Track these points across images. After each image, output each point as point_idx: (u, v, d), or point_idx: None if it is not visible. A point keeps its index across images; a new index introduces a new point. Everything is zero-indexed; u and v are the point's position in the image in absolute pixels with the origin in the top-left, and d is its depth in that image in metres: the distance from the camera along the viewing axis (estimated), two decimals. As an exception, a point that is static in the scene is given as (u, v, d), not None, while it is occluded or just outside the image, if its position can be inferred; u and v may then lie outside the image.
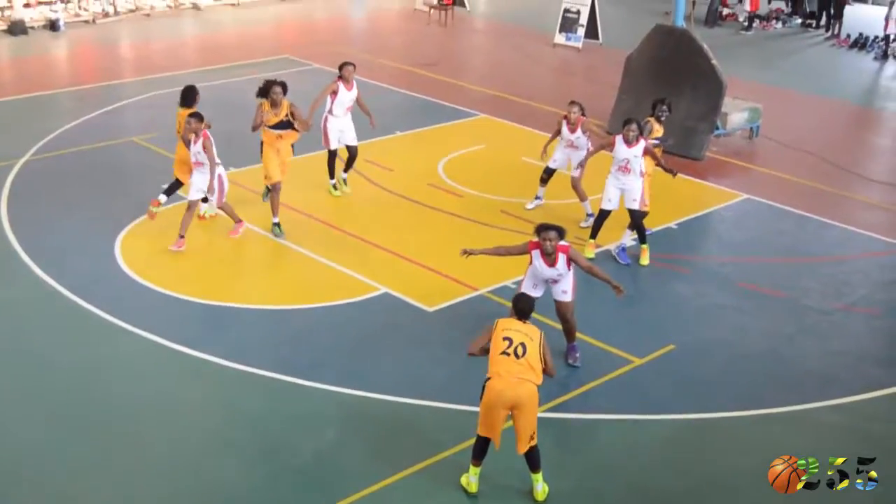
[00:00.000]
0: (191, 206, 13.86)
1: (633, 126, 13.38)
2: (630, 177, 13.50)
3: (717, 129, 18.22)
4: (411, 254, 13.79)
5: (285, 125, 14.19)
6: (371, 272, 13.20)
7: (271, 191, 14.40)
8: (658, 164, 13.81)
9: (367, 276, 13.08)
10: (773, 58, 25.88)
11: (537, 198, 15.50)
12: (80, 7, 26.67)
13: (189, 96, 14.45)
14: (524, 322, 9.14)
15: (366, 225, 14.59)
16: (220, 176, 13.68)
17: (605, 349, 11.63)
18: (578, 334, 11.38)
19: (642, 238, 13.81)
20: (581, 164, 14.53)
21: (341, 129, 15.48)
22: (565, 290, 11.08)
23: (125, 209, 14.86)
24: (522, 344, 8.91)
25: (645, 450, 9.98)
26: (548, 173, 15.33)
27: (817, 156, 18.31)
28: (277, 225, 14.28)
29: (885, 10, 27.20)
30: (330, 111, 15.39)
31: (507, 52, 25.49)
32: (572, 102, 14.99)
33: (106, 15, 26.82)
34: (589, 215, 15.07)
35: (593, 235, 13.98)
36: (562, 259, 10.79)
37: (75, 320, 11.98)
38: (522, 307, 9.26)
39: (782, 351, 11.84)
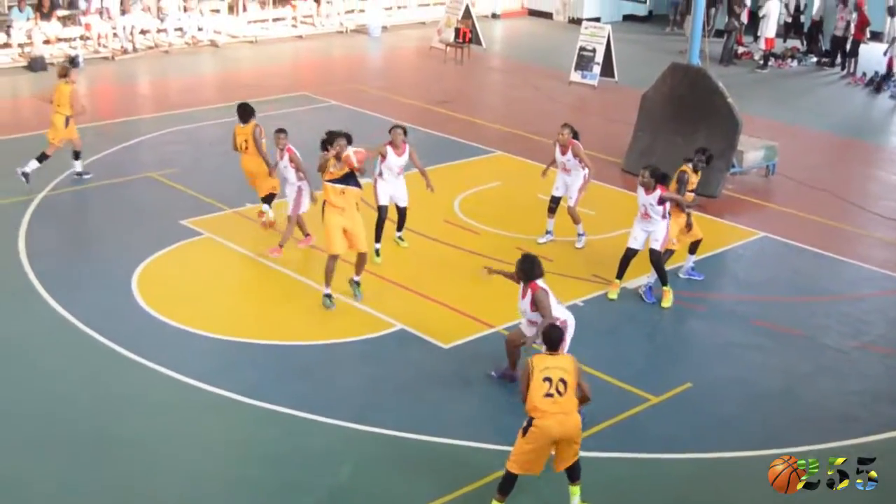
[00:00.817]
0: (290, 219, 14.65)
1: (646, 173, 13.29)
2: (651, 221, 13.49)
3: (734, 167, 18.21)
4: (427, 290, 13.79)
5: (349, 178, 12.89)
6: (387, 309, 13.20)
7: (329, 259, 13.11)
8: (680, 208, 13.69)
9: (383, 313, 13.08)
10: (789, 96, 25.91)
11: (548, 232, 15.55)
12: (99, 44, 26.89)
13: (245, 112, 15.26)
14: (557, 354, 9.15)
15: (382, 261, 14.59)
16: (299, 188, 14.44)
17: (620, 387, 11.58)
18: (595, 371, 11.34)
19: (662, 279, 13.72)
20: (580, 190, 14.94)
21: (392, 192, 14.65)
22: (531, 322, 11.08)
23: (142, 244, 14.92)
24: (562, 380, 8.94)
25: (662, 489, 9.92)
26: (554, 202, 15.40)
27: (834, 194, 18.29)
28: (328, 297, 13.15)
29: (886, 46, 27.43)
30: (379, 174, 14.59)
31: (522, 90, 25.58)
32: (564, 125, 15.04)
33: (125, 52, 27.02)
34: (580, 234, 15.30)
35: (619, 276, 13.88)
36: (528, 296, 10.86)
37: (90, 354, 12.00)
38: (552, 338, 9.26)
39: (799, 390, 11.78)
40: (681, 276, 14.48)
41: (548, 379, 8.91)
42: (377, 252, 14.53)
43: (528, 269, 10.84)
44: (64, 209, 16.45)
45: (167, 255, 14.72)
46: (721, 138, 17.83)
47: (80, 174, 17.58)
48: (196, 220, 15.86)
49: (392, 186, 14.58)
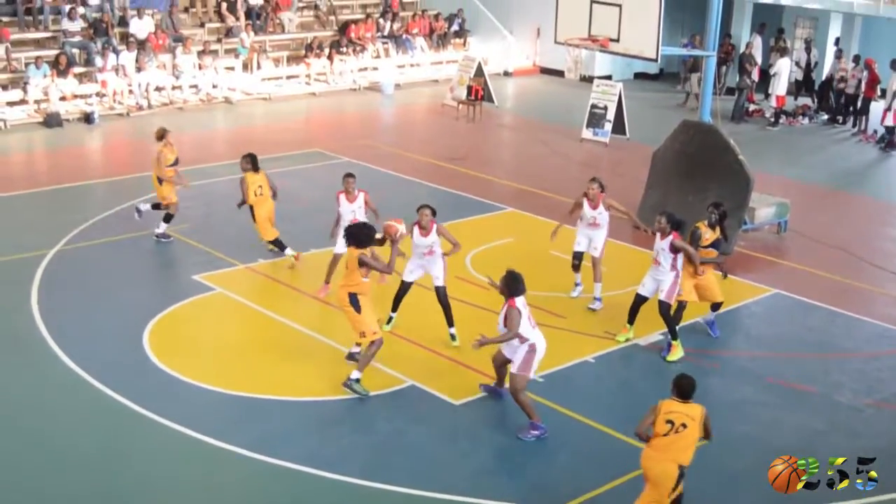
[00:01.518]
0: (335, 257, 14.91)
1: (662, 219, 13.38)
2: (661, 269, 13.48)
3: (745, 223, 18.21)
4: (438, 346, 13.77)
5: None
6: (398, 364, 13.16)
7: (371, 345, 12.46)
8: (691, 262, 13.61)
9: (393, 369, 13.05)
10: (800, 153, 25.95)
11: (577, 284, 15.64)
12: (114, 100, 27.15)
13: (256, 161, 16.21)
14: (686, 402, 9.23)
15: (392, 325, 14.57)
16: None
17: (631, 443, 11.48)
18: (607, 428, 11.26)
19: (671, 332, 13.67)
20: (642, 229, 15.58)
21: (423, 270, 14.06)
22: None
23: (155, 299, 14.96)
24: (683, 424, 9.07)
25: (675, 548, 9.81)
26: (577, 258, 15.42)
27: (846, 251, 18.26)
28: (357, 381, 12.41)
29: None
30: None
31: (534, 147, 25.69)
32: (593, 179, 15.15)
33: (140, 108, 27.27)
34: (597, 299, 15.22)
35: (630, 321, 13.94)
36: (503, 311, 11.50)
37: (100, 408, 12.00)
38: (683, 386, 9.36)
39: (814, 447, 11.65)
40: (700, 320, 14.50)
41: (670, 422, 9.10)
42: (389, 320, 14.21)
43: (511, 285, 11.43)
44: (77, 264, 16.51)
45: (179, 309, 14.75)
46: (732, 195, 17.81)
47: (159, 236, 17.40)
48: (208, 276, 15.89)
49: (419, 261, 13.97)
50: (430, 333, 14.08)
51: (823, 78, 30.36)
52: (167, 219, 17.31)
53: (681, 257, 13.42)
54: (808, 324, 15.31)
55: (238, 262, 16.48)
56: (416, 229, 13.77)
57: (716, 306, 14.39)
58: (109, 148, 24.11)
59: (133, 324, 14.13)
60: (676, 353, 13.61)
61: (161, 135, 17.31)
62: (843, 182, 23.46)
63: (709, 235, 14.03)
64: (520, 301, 11.43)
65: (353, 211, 14.98)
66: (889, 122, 26.21)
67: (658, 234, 13.44)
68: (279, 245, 16.41)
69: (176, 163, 17.35)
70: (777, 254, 18.22)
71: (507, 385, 11.94)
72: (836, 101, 29.29)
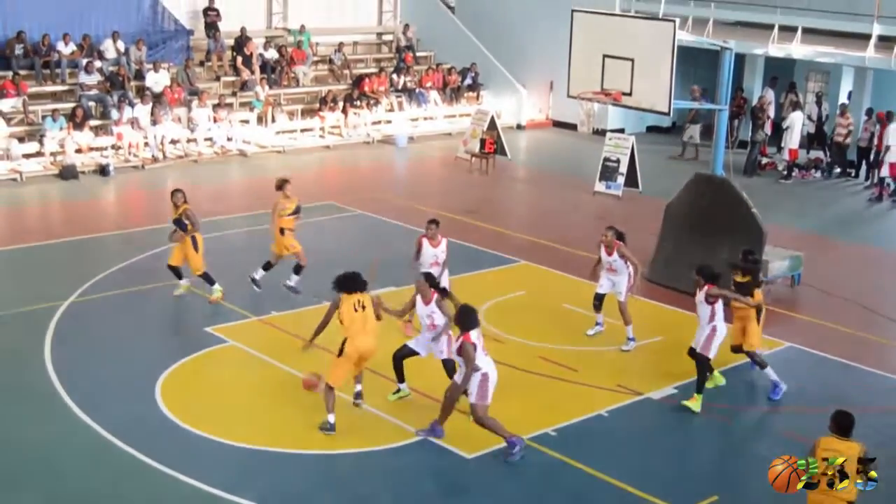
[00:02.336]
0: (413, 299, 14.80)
1: (694, 272, 13.79)
2: (700, 323, 13.77)
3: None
4: (450, 399, 13.70)
5: None
6: (410, 418, 13.11)
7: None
8: (739, 303, 13.96)
9: (404, 422, 13.00)
10: (813, 206, 25.96)
11: (598, 324, 15.91)
12: (129, 153, 27.34)
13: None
14: (845, 440, 9.22)
15: (405, 369, 14.53)
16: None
17: (645, 498, 11.41)
18: (621, 483, 11.18)
19: (700, 385, 13.62)
20: (629, 290, 15.32)
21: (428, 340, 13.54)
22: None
23: (167, 351, 14.97)
24: (841, 469, 9.01)
25: None
26: (598, 299, 15.74)
27: (859, 304, 18.20)
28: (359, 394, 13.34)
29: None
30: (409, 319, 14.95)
31: (547, 200, 25.75)
32: (609, 227, 15.54)
33: (155, 160, 27.45)
34: (630, 339, 15.41)
35: (699, 390, 13.67)
36: (457, 344, 12.00)
37: (112, 461, 11.97)
38: (841, 423, 9.40)
39: (829, 503, 11.55)
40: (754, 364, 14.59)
41: (825, 459, 9.06)
42: (397, 391, 13.73)
43: (464, 321, 11.90)
44: (90, 315, 16.55)
45: (192, 362, 14.76)
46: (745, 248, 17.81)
47: (291, 288, 17.33)
48: (221, 328, 15.91)
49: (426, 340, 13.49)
50: (443, 386, 14.01)
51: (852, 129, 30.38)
52: (297, 270, 17.25)
53: (719, 311, 13.58)
54: (822, 377, 15.22)
55: (251, 315, 16.50)
56: (417, 298, 13.41)
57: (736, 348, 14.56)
58: (124, 200, 24.25)
59: (146, 376, 14.13)
60: (696, 404, 13.56)
61: (280, 185, 17.26)
62: (855, 234, 23.43)
63: (740, 279, 14.39)
64: (474, 334, 11.84)
65: (436, 255, 15.42)
66: (885, 173, 26.45)
67: (697, 288, 13.73)
68: (208, 279, 16.75)
69: (297, 212, 17.31)
70: (791, 307, 18.16)
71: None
72: (832, 154, 29.25)
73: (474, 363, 11.73)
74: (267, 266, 17.38)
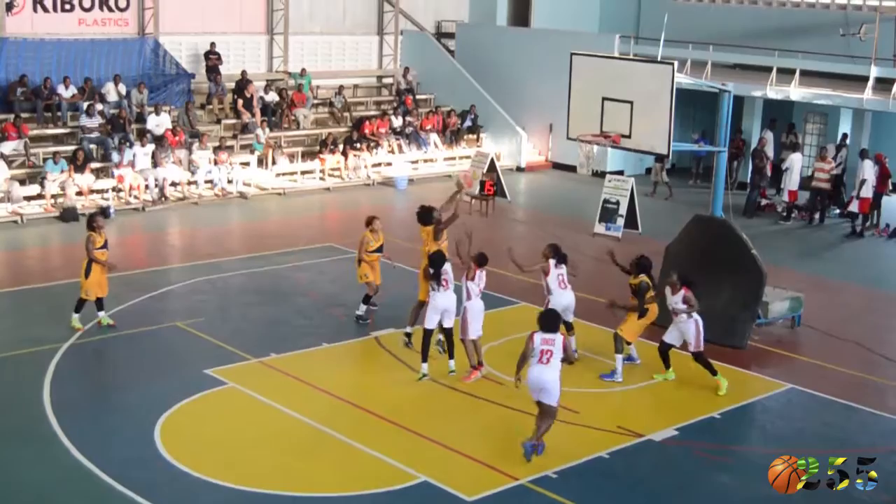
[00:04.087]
0: (466, 342, 15.81)
1: (674, 275, 15.73)
2: (678, 323, 15.69)
3: (759, 318, 18.17)
4: (450, 441, 13.66)
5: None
6: (409, 459, 13.06)
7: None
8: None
9: (405, 464, 12.94)
10: (813, 248, 25.99)
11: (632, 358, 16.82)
12: (130, 195, 27.41)
13: (425, 216, 17.32)
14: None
15: (404, 411, 14.52)
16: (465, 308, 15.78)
17: (648, 542, 11.35)
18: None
19: (712, 370, 15.52)
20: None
21: (445, 308, 15.89)
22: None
23: (167, 393, 14.92)
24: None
25: None
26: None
27: (861, 345, 18.18)
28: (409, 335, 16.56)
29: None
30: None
31: (547, 241, 25.65)
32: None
33: (155, 202, 27.52)
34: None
35: (714, 373, 15.66)
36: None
37: (110, 503, 11.89)
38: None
39: (832, 546, 11.50)
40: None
41: None
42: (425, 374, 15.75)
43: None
44: (89, 358, 16.53)
45: (191, 404, 14.71)
46: (746, 289, 17.84)
47: (359, 316, 18.16)
48: (221, 370, 15.88)
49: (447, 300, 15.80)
50: (443, 428, 14.00)
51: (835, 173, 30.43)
52: (365, 300, 18.12)
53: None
54: (823, 419, 15.18)
55: (250, 357, 16.47)
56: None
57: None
58: (125, 242, 24.26)
59: (145, 418, 14.08)
60: (723, 386, 15.40)
61: (369, 221, 18.25)
62: (855, 275, 23.43)
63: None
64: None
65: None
66: (854, 208, 26.72)
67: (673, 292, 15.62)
68: (99, 305, 17.51)
69: (380, 249, 18.16)
70: (791, 348, 18.14)
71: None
72: (811, 200, 29.03)
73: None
74: (366, 299, 18.05)
